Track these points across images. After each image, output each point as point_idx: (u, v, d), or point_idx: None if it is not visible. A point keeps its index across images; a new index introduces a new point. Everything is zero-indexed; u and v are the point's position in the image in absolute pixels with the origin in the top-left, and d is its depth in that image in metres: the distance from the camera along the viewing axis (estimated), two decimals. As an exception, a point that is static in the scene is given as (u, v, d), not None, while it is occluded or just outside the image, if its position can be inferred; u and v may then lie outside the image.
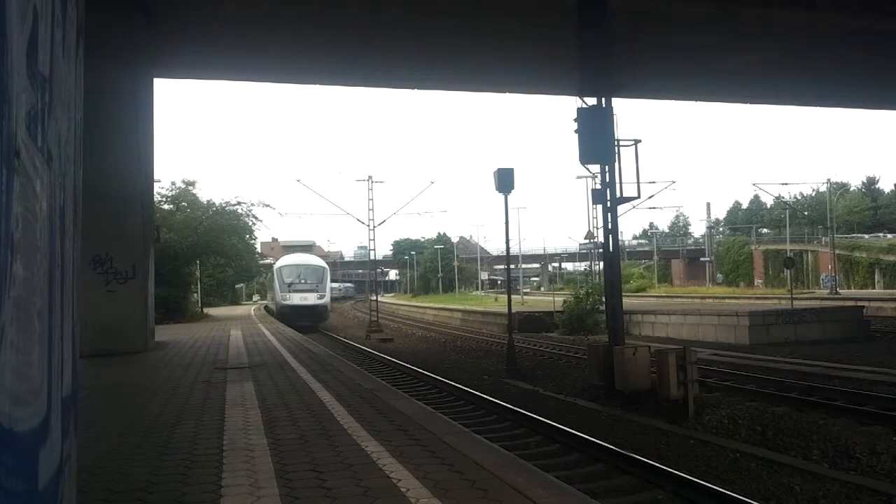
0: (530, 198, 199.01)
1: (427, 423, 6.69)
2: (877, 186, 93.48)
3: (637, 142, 14.67)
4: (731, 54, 18.64)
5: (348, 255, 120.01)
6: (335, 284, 72.16)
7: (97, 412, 7.58)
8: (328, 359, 13.80)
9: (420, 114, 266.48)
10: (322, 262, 42.74)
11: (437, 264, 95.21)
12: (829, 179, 70.92)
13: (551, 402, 13.30)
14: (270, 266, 51.80)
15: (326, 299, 39.19)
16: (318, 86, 37.66)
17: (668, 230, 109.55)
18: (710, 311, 26.34)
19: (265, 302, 61.92)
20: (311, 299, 37.13)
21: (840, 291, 49.09)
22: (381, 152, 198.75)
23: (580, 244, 71.29)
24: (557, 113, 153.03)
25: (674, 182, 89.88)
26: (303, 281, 38.03)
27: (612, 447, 8.77)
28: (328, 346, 20.87)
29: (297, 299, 36.82)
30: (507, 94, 26.36)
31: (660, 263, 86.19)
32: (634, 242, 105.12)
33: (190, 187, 36.98)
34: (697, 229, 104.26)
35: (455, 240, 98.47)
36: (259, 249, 61.41)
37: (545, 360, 20.48)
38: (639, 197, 15.01)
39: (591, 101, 14.41)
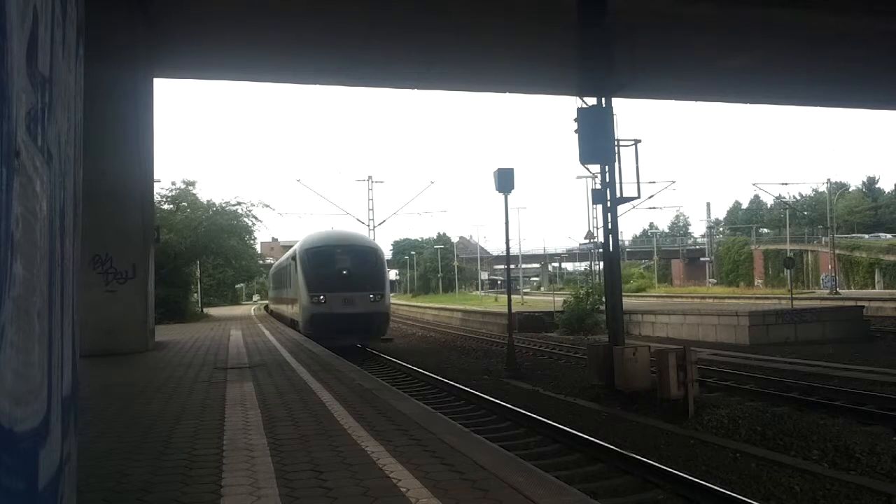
0: (530, 198, 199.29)
1: (427, 422, 6.68)
2: (877, 186, 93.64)
3: (637, 142, 14.70)
4: (731, 54, 18.65)
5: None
6: None
7: (97, 412, 7.58)
8: (328, 358, 13.79)
9: (420, 114, 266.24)
10: (373, 243, 27.64)
11: (437, 264, 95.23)
12: (829, 179, 71.00)
13: (551, 402, 13.30)
14: (272, 264, 45.59)
15: (386, 301, 23.94)
16: (318, 86, 37.59)
17: (668, 230, 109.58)
18: (710, 311, 26.34)
19: (265, 302, 56.81)
20: (360, 304, 22.31)
21: (840, 291, 49.10)
22: (381, 152, 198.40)
23: (580, 244, 71.36)
24: (557, 113, 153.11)
25: (674, 182, 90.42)
26: (345, 272, 22.87)
27: (612, 447, 8.77)
28: (327, 346, 20.85)
29: (337, 304, 22.08)
30: (507, 94, 26.38)
31: (660, 263, 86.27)
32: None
33: (190, 187, 37.09)
34: (697, 229, 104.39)
35: (455, 240, 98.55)
36: (259, 250, 61.08)
37: (545, 360, 20.48)
38: (639, 197, 15.05)
39: (591, 100, 14.43)
